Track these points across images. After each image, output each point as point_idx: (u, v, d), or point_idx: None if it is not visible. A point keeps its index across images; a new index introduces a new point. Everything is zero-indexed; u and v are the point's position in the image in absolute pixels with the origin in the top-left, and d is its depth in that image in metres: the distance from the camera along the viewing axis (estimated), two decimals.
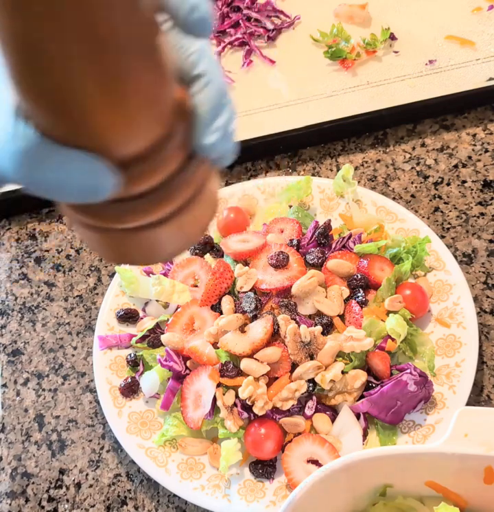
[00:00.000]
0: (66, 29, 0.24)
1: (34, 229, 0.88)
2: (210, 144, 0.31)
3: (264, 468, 0.65)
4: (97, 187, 0.28)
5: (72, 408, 0.75)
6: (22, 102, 0.27)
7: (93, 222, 0.31)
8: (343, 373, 0.66)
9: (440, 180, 0.84)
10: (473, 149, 0.86)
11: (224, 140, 0.31)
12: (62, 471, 0.72)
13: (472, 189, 0.83)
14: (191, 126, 0.30)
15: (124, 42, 0.25)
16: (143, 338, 0.73)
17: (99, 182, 0.28)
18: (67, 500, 0.70)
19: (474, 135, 0.87)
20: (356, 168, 0.86)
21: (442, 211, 0.82)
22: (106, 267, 0.84)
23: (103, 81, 0.26)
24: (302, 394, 0.66)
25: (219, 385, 0.66)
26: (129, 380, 0.71)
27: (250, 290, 0.70)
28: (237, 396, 0.65)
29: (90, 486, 0.71)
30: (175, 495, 0.68)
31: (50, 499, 0.71)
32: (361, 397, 0.67)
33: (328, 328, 0.68)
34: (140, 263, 0.36)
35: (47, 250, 0.86)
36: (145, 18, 0.26)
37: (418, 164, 0.86)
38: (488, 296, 0.75)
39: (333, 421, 0.66)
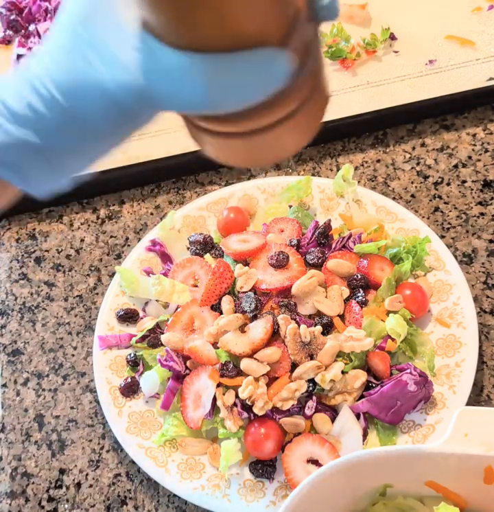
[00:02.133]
0: None
1: (34, 229, 0.88)
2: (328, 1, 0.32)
3: (264, 468, 0.65)
4: (279, 72, 0.30)
5: (72, 408, 0.75)
6: (174, 24, 0.28)
7: (240, 127, 0.32)
8: (343, 373, 0.66)
9: (440, 180, 0.84)
10: (473, 149, 0.86)
11: None
12: (62, 471, 0.72)
13: (472, 189, 0.83)
14: None
15: None
16: (143, 338, 0.73)
17: (279, 67, 0.29)
18: (67, 500, 0.70)
19: (474, 135, 0.87)
20: (356, 168, 0.86)
21: (442, 211, 0.82)
22: (106, 267, 0.84)
23: None
24: (302, 394, 0.66)
25: (219, 385, 0.66)
26: (129, 380, 0.71)
27: (250, 290, 0.70)
28: (237, 396, 0.65)
29: (90, 486, 0.71)
30: (175, 495, 0.68)
31: (50, 499, 0.71)
32: (361, 397, 0.67)
33: (328, 328, 0.68)
34: (253, 166, 0.37)
35: (47, 250, 0.86)
36: None
37: (418, 164, 0.86)
38: (488, 296, 0.75)
39: (333, 421, 0.66)
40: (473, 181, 0.83)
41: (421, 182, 0.84)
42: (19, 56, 0.97)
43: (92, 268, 0.84)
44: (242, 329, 0.68)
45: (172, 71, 0.29)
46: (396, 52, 0.92)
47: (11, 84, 0.32)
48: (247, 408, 0.65)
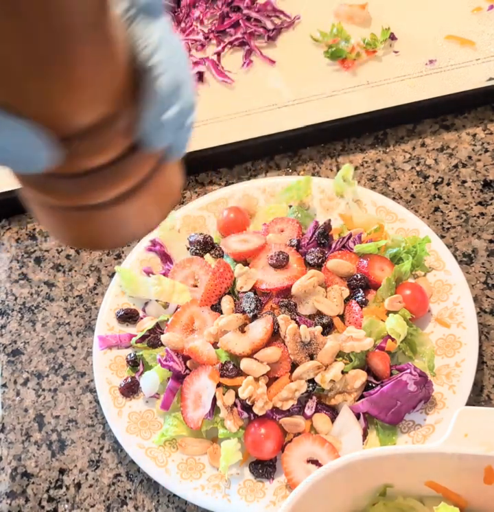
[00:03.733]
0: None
1: (34, 229, 0.88)
2: (153, 137, 0.31)
3: (264, 468, 0.65)
4: (32, 158, 0.28)
5: (72, 408, 0.75)
6: None
7: (45, 198, 0.31)
8: (343, 373, 0.66)
9: (440, 180, 0.84)
10: (473, 149, 0.86)
11: (171, 133, 0.31)
12: (62, 471, 0.72)
13: (472, 189, 0.83)
14: (140, 113, 0.30)
15: (68, 9, 0.25)
16: (142, 338, 0.73)
17: (33, 153, 0.28)
18: (67, 500, 0.70)
19: (474, 135, 0.87)
20: (356, 168, 0.86)
21: (442, 211, 0.82)
22: (106, 267, 0.84)
23: (40, 53, 0.25)
24: (302, 394, 0.66)
25: (219, 385, 0.66)
26: (129, 380, 0.71)
27: (250, 290, 0.70)
28: (237, 396, 0.66)
29: (90, 486, 0.71)
30: (175, 495, 0.68)
31: (50, 499, 0.71)
32: (361, 397, 0.67)
33: (328, 328, 0.68)
34: (91, 247, 0.35)
35: (47, 250, 0.86)
36: None
37: (418, 164, 0.86)
38: (488, 296, 0.75)
39: (333, 421, 0.66)
40: (473, 181, 0.83)
41: (421, 182, 0.84)
42: None
43: (92, 268, 0.84)
44: (242, 329, 0.68)
45: None
46: (396, 52, 0.92)
47: None
48: (247, 408, 0.66)
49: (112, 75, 0.29)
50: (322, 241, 0.74)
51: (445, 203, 0.82)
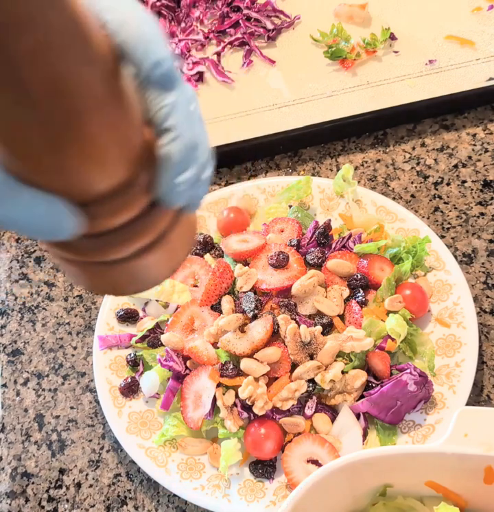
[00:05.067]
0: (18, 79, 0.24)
1: None
2: (170, 197, 0.31)
3: (264, 468, 0.65)
4: (57, 227, 0.28)
5: (72, 408, 0.75)
6: None
7: (68, 255, 0.32)
8: (343, 373, 0.66)
9: (440, 180, 0.84)
10: (473, 149, 0.86)
11: (188, 191, 0.31)
12: (62, 471, 0.72)
13: (472, 189, 0.83)
14: (156, 176, 0.30)
15: (77, 89, 0.25)
16: (142, 338, 0.73)
17: (59, 223, 0.28)
18: (67, 500, 0.70)
19: (474, 135, 0.87)
20: (356, 168, 0.86)
21: (442, 211, 0.82)
22: None
23: (55, 132, 0.26)
24: (302, 394, 0.66)
25: (219, 385, 0.66)
26: (129, 380, 0.71)
27: (250, 290, 0.70)
28: (237, 396, 0.66)
29: (90, 486, 0.71)
30: (175, 495, 0.68)
31: (50, 499, 0.71)
32: (361, 397, 0.67)
33: (328, 328, 0.68)
34: (113, 294, 0.36)
35: (47, 250, 0.86)
36: (101, 68, 0.26)
37: (418, 164, 0.86)
38: (488, 296, 0.75)
39: (333, 421, 0.66)
40: (473, 181, 0.83)
41: (421, 182, 0.84)
42: None
43: None
44: (242, 329, 0.68)
45: None
46: (396, 52, 0.92)
47: None
48: (247, 408, 0.66)
49: (127, 142, 0.29)
50: (322, 241, 0.74)
51: (445, 203, 0.82)
